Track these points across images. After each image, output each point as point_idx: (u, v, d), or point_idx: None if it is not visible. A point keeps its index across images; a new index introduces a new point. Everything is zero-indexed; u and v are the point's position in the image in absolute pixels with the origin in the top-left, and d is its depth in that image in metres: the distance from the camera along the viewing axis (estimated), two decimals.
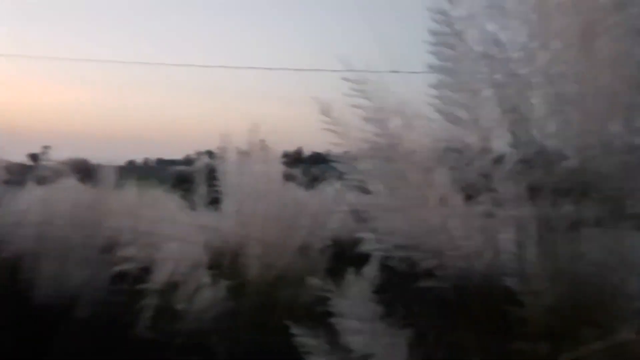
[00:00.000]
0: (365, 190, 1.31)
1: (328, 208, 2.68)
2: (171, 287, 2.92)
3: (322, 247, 2.67)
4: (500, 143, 1.08)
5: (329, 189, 3.18)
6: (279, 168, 2.68)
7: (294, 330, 1.37)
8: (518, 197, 1.08)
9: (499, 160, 1.08)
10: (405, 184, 1.12)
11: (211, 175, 2.86)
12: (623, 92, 1.09)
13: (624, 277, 1.22)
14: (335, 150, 1.46)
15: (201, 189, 3.02)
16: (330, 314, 1.41)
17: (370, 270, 1.77)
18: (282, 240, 2.56)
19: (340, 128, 1.23)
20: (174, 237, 2.89)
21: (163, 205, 3.20)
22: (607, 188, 1.16)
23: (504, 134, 1.08)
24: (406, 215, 1.16)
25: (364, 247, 1.37)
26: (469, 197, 1.31)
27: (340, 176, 1.62)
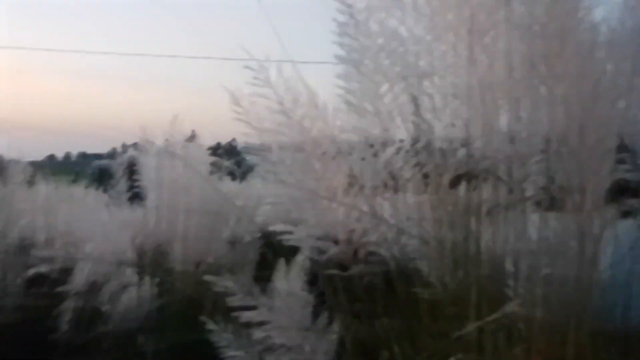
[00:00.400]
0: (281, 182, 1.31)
1: (257, 200, 2.65)
2: (94, 288, 2.77)
3: (251, 240, 2.65)
4: (402, 132, 1.12)
5: (259, 181, 3.16)
6: (205, 160, 2.61)
7: (211, 326, 1.35)
8: (421, 183, 1.13)
9: (400, 149, 1.11)
10: (313, 175, 1.13)
11: (134, 169, 2.74)
12: (512, 84, 1.17)
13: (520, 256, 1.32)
14: (251, 140, 1.45)
15: (124, 184, 2.88)
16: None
17: (301, 260, 1.77)
18: (209, 235, 2.51)
19: (251, 118, 1.22)
20: (95, 235, 2.74)
21: (83, 201, 3.02)
22: (501, 173, 1.24)
23: (406, 123, 1.12)
24: (316, 205, 1.17)
25: (280, 239, 1.38)
26: (385, 185, 1.35)
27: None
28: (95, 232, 2.71)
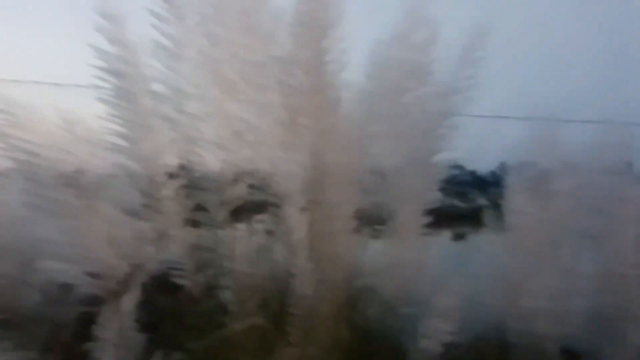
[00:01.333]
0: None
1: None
2: None
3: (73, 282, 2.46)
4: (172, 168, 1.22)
5: None
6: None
7: None
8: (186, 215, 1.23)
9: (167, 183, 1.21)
10: (70, 210, 1.16)
11: None
12: (281, 132, 1.37)
13: None
14: None
15: None
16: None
17: (130, 299, 1.72)
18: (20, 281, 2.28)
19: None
20: None
21: None
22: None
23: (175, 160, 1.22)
24: (88, 240, 1.20)
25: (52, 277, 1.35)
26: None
27: None
28: None
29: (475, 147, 1.53)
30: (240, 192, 1.33)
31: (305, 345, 1.35)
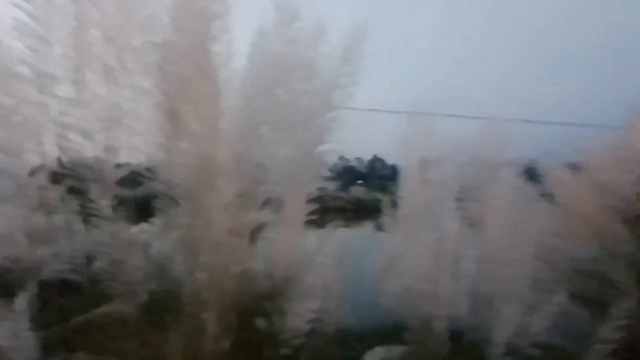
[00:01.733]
0: None
1: None
2: None
3: None
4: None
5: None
6: None
7: None
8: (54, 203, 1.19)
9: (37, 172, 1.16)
10: None
11: None
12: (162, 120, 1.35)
13: None
14: None
15: None
16: None
17: (23, 299, 1.61)
18: None
19: None
20: None
21: None
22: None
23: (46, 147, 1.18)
24: None
25: None
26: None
27: None
28: None
29: (397, 141, 1.62)
30: (116, 180, 1.30)
31: (191, 331, 1.36)
